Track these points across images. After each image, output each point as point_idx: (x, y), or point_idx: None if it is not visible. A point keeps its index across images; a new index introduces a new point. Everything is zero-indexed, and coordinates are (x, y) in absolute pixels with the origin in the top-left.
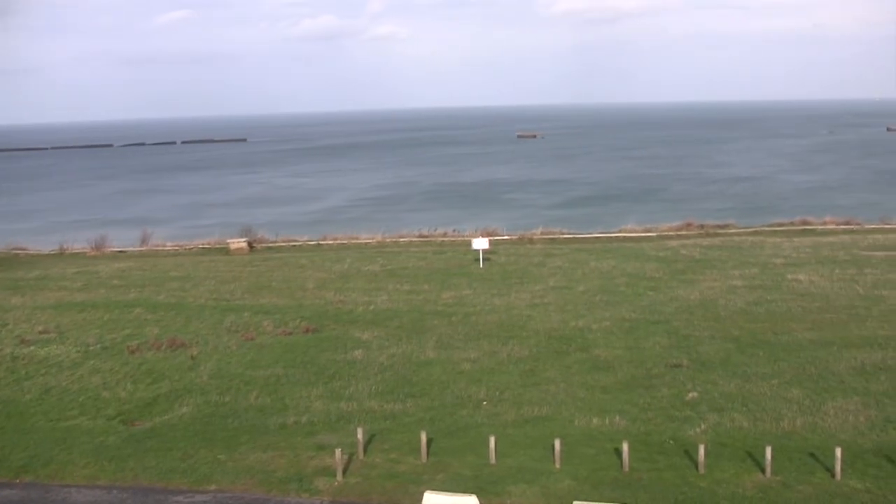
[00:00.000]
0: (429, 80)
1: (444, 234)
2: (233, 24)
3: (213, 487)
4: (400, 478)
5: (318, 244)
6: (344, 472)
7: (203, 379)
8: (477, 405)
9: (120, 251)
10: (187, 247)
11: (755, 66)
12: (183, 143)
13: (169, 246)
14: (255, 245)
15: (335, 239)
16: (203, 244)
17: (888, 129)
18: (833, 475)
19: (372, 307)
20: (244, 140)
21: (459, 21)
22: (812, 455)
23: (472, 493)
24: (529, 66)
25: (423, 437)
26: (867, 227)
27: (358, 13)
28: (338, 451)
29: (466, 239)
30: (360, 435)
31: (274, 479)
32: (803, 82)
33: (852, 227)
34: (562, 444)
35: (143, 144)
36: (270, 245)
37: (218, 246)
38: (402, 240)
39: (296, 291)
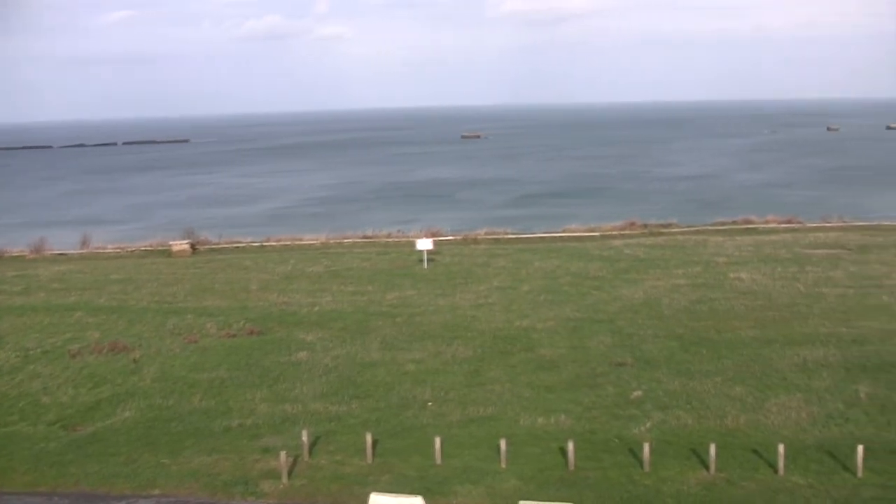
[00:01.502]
0: (375, 80)
1: (389, 235)
2: (176, 25)
3: (156, 492)
4: (345, 479)
5: (262, 246)
6: (289, 474)
7: (146, 382)
8: (422, 406)
9: (60, 254)
10: (129, 249)
11: (699, 66)
12: (124, 144)
13: (110, 248)
14: (197, 247)
15: (279, 240)
16: (145, 246)
17: (828, 129)
18: (776, 471)
19: (316, 309)
20: (186, 141)
21: (405, 21)
22: (755, 451)
23: (417, 493)
24: (474, 66)
25: (369, 438)
26: (808, 225)
27: (303, 14)
28: (283, 454)
29: (411, 240)
30: (305, 437)
31: (218, 482)
32: (745, 83)
33: (794, 225)
34: (507, 444)
35: (83, 146)
36: (213, 247)
37: (160, 248)
38: (346, 241)
39: (239, 293)
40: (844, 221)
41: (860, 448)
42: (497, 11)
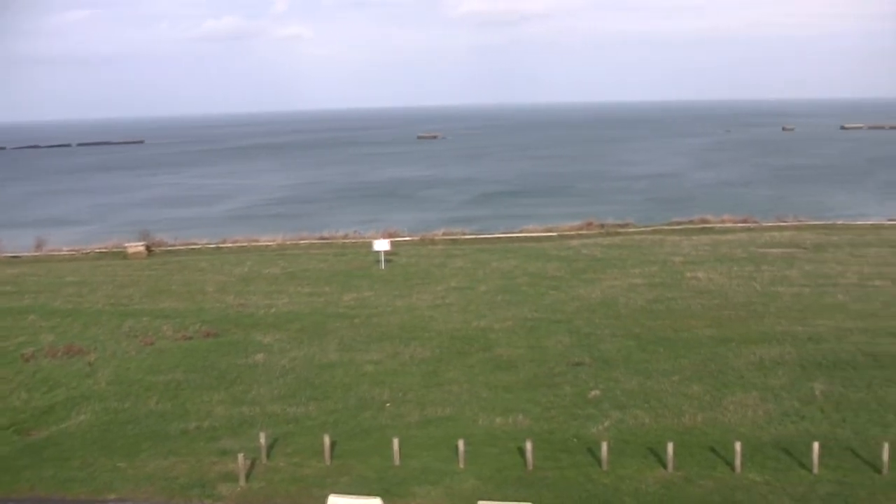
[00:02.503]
0: (334, 80)
1: (346, 236)
2: (133, 25)
3: (113, 496)
4: (304, 481)
5: (218, 247)
6: (247, 476)
7: (101, 385)
8: (380, 407)
9: (13, 256)
10: (84, 251)
11: (656, 66)
12: (79, 145)
13: (65, 251)
14: (153, 249)
15: (235, 242)
16: (100, 249)
17: (783, 129)
18: (733, 469)
19: (273, 310)
20: (141, 142)
21: (364, 22)
22: (713, 449)
23: (376, 495)
24: (433, 67)
25: (327, 440)
26: (764, 224)
27: (262, 14)
28: (240, 456)
29: (368, 240)
30: (262, 439)
31: (176, 485)
32: (703, 83)
33: (750, 225)
34: (465, 445)
35: (37, 147)
36: (169, 249)
37: (115, 250)
38: (302, 242)
39: (196, 295)
40: (800, 221)
41: (816, 445)
42: (456, 12)
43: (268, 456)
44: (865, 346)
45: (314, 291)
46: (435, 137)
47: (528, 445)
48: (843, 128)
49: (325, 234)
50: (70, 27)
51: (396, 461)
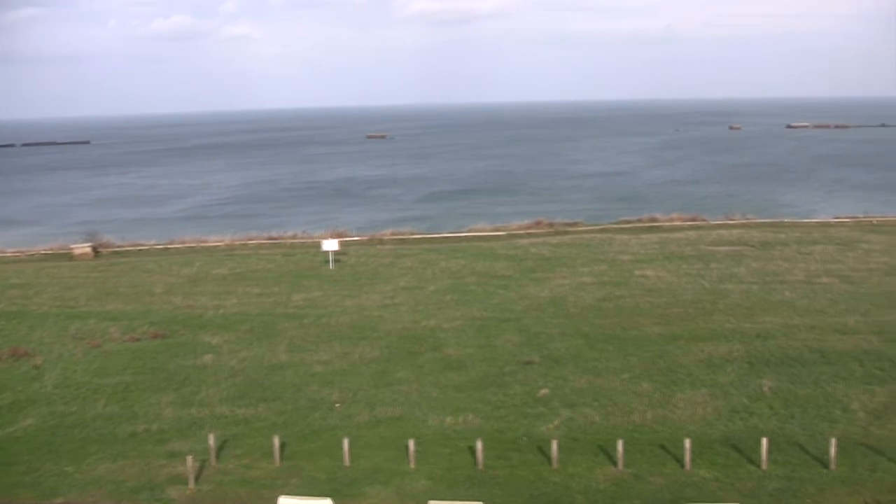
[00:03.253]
0: (283, 80)
1: (294, 237)
2: (80, 24)
3: (60, 501)
4: (254, 483)
5: (166, 248)
6: (196, 479)
7: (48, 389)
8: (330, 407)
9: None
10: (29, 253)
11: (605, 66)
12: (24, 145)
13: (9, 252)
14: (100, 250)
15: (183, 242)
16: (45, 250)
17: (730, 128)
18: (683, 466)
19: (222, 311)
20: (87, 142)
21: (314, 22)
22: (662, 447)
23: (326, 496)
24: (382, 66)
25: (277, 441)
26: (712, 222)
27: (211, 13)
28: (189, 459)
29: (316, 241)
30: (211, 441)
31: (124, 489)
32: (651, 83)
33: (698, 223)
34: (416, 444)
35: None
36: (117, 250)
37: (61, 252)
38: (251, 242)
39: (143, 297)
40: (747, 219)
41: (764, 441)
42: (405, 12)
43: (217, 458)
44: (813, 343)
45: (263, 292)
46: (383, 137)
47: (479, 445)
48: (789, 127)
49: (274, 234)
50: (15, 25)
51: (347, 462)
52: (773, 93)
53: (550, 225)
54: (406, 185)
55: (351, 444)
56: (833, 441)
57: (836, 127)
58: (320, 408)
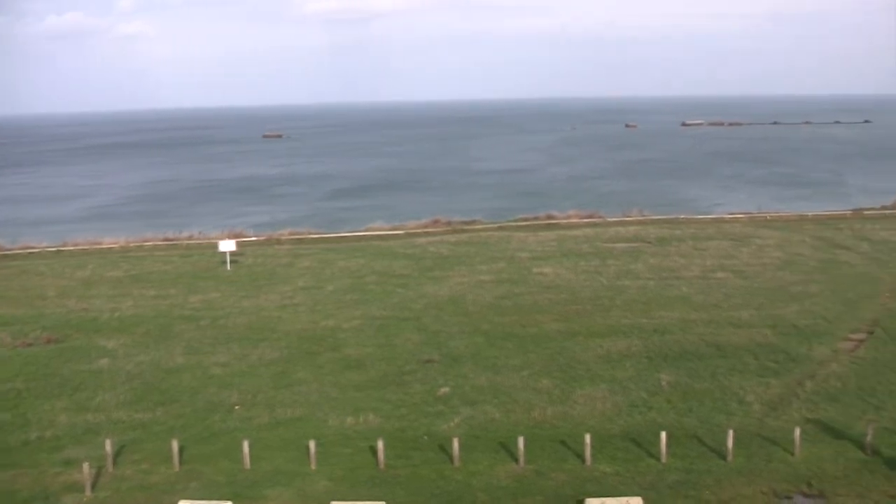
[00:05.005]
0: (181, 79)
1: (190, 237)
2: None
3: None
4: (152, 489)
5: (59, 251)
6: (93, 486)
7: None
8: (229, 410)
9: None
10: None
11: (504, 65)
12: None
13: None
14: None
15: (76, 245)
16: None
17: (626, 126)
18: (584, 461)
19: (117, 314)
20: None
21: (212, 20)
22: (563, 443)
23: (227, 499)
24: (282, 65)
25: (175, 445)
26: (609, 220)
27: (106, 11)
28: (85, 466)
29: (213, 241)
30: (108, 447)
31: (18, 499)
32: (551, 81)
33: (595, 220)
34: (317, 445)
35: None
36: (6, 252)
37: None
38: (147, 244)
39: (35, 300)
40: (644, 216)
41: (663, 434)
42: (304, 10)
43: (114, 464)
44: (709, 337)
45: (159, 294)
46: (280, 136)
47: (380, 444)
48: (684, 125)
49: (170, 235)
50: None
51: (247, 464)
52: (669, 91)
53: (448, 223)
54: (304, 184)
55: (251, 447)
56: (730, 433)
57: (731, 125)
58: (219, 410)
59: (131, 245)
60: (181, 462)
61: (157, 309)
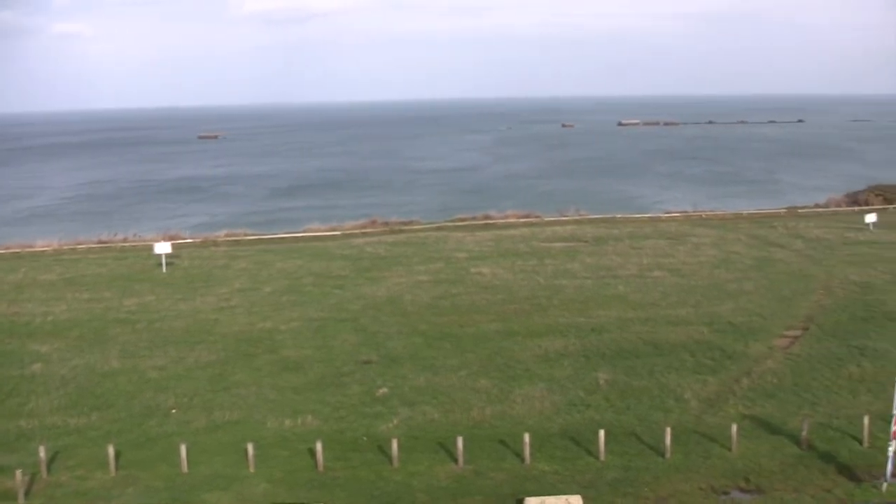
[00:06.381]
0: (118, 79)
1: (125, 240)
2: None
3: None
4: (88, 495)
5: None
6: (26, 493)
7: None
8: (166, 414)
9: None
10: None
11: (439, 65)
12: None
13: None
14: None
15: (7, 248)
16: None
17: (563, 126)
18: (523, 460)
19: (50, 318)
20: None
21: (150, 19)
22: (502, 442)
23: None
24: (220, 65)
25: (111, 450)
26: (546, 219)
27: (39, 10)
28: (18, 473)
29: (148, 243)
30: (42, 453)
31: None
32: (487, 81)
33: (532, 220)
34: (255, 448)
35: None
36: None
37: None
38: (80, 246)
39: None
40: (581, 215)
41: (601, 432)
42: (242, 11)
43: (48, 470)
44: (646, 335)
45: (94, 297)
46: (216, 137)
47: (319, 446)
48: (620, 124)
49: (105, 237)
50: None
51: (184, 468)
52: (604, 92)
53: (386, 224)
54: (241, 185)
55: (188, 451)
56: (668, 430)
57: (666, 124)
58: (156, 414)
59: (65, 248)
60: (117, 467)
61: (91, 312)
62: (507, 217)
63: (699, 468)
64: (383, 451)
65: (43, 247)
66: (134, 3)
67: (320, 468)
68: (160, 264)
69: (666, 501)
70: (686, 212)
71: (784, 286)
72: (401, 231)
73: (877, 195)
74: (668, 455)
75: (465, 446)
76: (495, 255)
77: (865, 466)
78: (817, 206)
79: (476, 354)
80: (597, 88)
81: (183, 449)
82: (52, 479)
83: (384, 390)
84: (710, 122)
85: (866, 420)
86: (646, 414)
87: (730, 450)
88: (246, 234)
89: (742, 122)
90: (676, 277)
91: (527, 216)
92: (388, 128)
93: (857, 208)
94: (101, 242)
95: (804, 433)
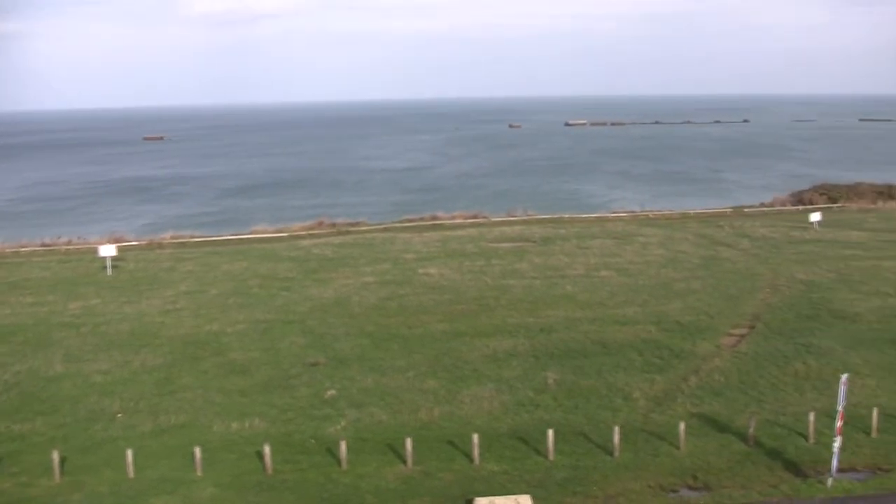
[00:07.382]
0: (59, 80)
1: (69, 242)
2: None
3: None
4: (32, 502)
5: None
6: None
7: None
8: (111, 418)
9: None
10: None
11: (387, 65)
12: None
13: None
14: None
15: None
16: None
17: (510, 126)
18: (472, 460)
19: None
20: None
21: (94, 19)
22: (451, 443)
23: None
24: (166, 66)
25: (56, 456)
26: (494, 219)
27: None
28: None
29: (93, 246)
30: None
31: None
32: (435, 82)
33: (480, 220)
34: (202, 452)
35: None
36: None
37: None
38: (23, 250)
39: None
40: (528, 215)
41: (550, 432)
42: (189, 11)
43: None
44: (594, 335)
45: (37, 301)
46: (161, 139)
47: (266, 449)
48: (567, 124)
49: (48, 240)
50: None
51: (131, 473)
52: (551, 92)
53: (333, 225)
54: (188, 186)
55: (135, 455)
56: (616, 429)
57: (613, 124)
58: (101, 419)
59: (7, 251)
60: (62, 473)
61: (35, 316)
62: (454, 218)
63: (648, 466)
64: (332, 453)
65: None
66: (77, 3)
67: (268, 471)
68: (105, 267)
69: (615, 500)
70: (633, 212)
71: (731, 285)
72: (348, 232)
73: (821, 194)
74: (616, 454)
75: (413, 447)
76: (443, 256)
77: (811, 462)
78: (763, 205)
79: (424, 355)
80: (546, 89)
81: (129, 454)
82: None
83: (332, 392)
84: (657, 122)
85: (812, 417)
86: (594, 413)
87: (678, 448)
88: (192, 236)
89: (688, 122)
90: (624, 277)
91: (474, 217)
92: (338, 128)
93: (801, 207)
94: (44, 245)
95: (751, 430)
